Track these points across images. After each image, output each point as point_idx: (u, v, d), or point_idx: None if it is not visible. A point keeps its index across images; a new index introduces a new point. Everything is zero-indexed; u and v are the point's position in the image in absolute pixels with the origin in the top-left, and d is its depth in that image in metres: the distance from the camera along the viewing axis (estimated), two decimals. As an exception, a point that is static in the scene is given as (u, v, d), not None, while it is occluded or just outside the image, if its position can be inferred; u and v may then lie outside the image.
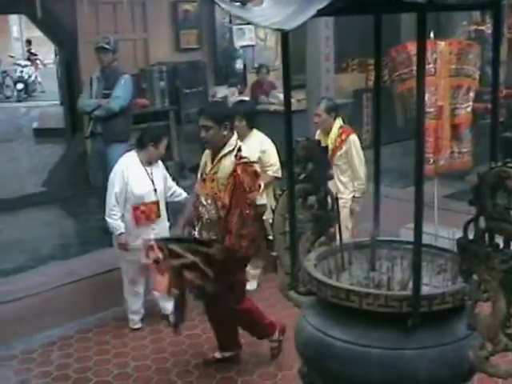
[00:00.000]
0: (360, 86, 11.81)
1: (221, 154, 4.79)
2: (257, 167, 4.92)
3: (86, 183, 9.33)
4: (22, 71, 21.91)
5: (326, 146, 3.25)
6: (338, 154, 6.28)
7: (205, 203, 4.83)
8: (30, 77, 22.16)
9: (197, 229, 5.00)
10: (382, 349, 2.58)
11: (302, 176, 3.11)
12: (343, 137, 6.31)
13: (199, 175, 5.08)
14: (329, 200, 3.15)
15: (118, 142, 7.38)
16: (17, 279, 6.29)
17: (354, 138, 6.37)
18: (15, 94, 21.61)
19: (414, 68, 4.75)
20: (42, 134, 14.27)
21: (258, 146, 6.12)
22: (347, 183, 6.38)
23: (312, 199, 3.17)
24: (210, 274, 4.55)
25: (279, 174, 6.24)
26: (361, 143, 6.45)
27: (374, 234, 3.17)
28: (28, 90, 21.93)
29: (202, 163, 5.10)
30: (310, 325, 2.81)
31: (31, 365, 5.43)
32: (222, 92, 10.35)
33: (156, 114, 9.62)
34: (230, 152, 4.77)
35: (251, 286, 6.34)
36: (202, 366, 5.23)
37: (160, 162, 5.91)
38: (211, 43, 10.72)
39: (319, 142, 3.24)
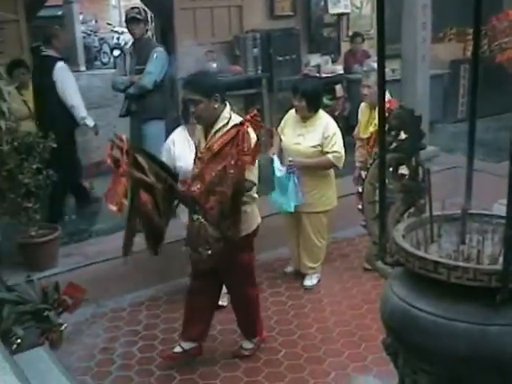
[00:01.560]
0: (457, 56, 11.47)
1: (214, 130, 4.39)
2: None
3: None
4: (118, 38, 22.38)
5: (420, 116, 3.16)
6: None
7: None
8: (126, 43, 22.58)
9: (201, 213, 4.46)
10: (468, 323, 2.54)
11: (394, 145, 3.07)
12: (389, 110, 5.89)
13: (194, 155, 4.61)
14: (420, 171, 3.10)
15: (154, 119, 7.26)
16: (109, 240, 6.48)
17: None
18: (112, 60, 22.10)
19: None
20: (137, 99, 14.51)
21: (321, 131, 5.88)
22: None
23: (403, 169, 3.12)
24: (162, 208, 4.30)
25: (340, 164, 5.99)
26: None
27: (464, 206, 3.10)
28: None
29: (195, 141, 4.72)
30: (396, 296, 2.78)
31: (120, 323, 5.64)
32: (314, 60, 10.28)
33: (249, 82, 9.66)
34: (225, 126, 4.36)
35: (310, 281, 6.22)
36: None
37: None
38: (305, 11, 10.61)
39: (412, 111, 3.17)
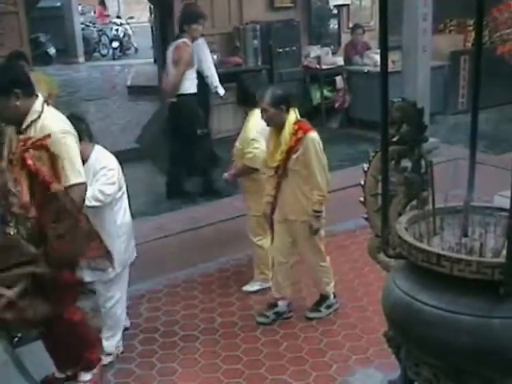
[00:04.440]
0: (458, 47, 11.44)
1: (24, 126, 3.93)
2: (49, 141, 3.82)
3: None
4: (117, 29, 22.34)
5: (422, 108, 3.15)
6: (294, 156, 4.98)
7: (14, 190, 3.80)
8: (125, 35, 22.56)
9: (12, 225, 3.84)
10: (472, 316, 2.53)
11: (396, 138, 3.06)
12: (299, 134, 4.97)
13: (5, 155, 3.99)
14: (422, 163, 3.09)
15: None
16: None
17: (312, 135, 5.00)
18: (110, 52, 22.07)
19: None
20: (136, 91, 14.53)
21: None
22: (309, 193, 5.08)
23: (405, 162, 3.12)
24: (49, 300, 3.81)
25: (255, 165, 5.52)
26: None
27: (467, 199, 3.09)
28: (123, 49, 22.36)
29: (6, 141, 4.08)
30: (399, 288, 2.78)
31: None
32: (315, 52, 10.27)
33: (249, 73, 9.64)
34: (35, 121, 3.92)
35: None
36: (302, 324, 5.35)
37: None
38: (305, 2, 10.60)
39: (414, 103, 3.15)
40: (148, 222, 6.78)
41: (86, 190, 4.05)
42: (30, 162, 3.68)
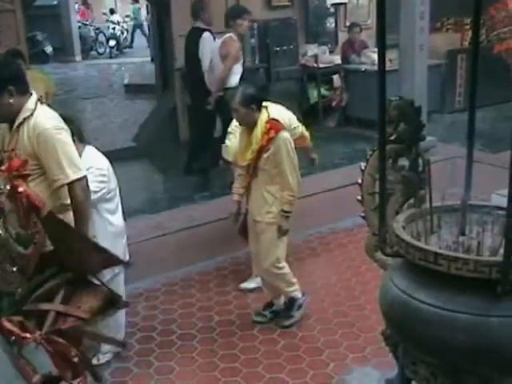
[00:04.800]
0: (455, 46, 11.45)
1: (16, 124, 3.89)
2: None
3: (175, 139, 9.49)
4: (114, 28, 22.34)
5: (420, 107, 3.15)
6: (265, 155, 4.94)
7: (2, 187, 3.53)
8: (122, 33, 22.56)
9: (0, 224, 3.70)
10: (469, 314, 2.53)
11: (394, 136, 3.06)
12: (271, 134, 4.92)
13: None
14: (420, 162, 3.09)
15: None
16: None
17: (284, 135, 4.94)
18: (107, 50, 22.06)
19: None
20: (133, 90, 14.54)
21: None
22: (276, 193, 5.03)
23: (402, 160, 3.12)
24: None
25: (227, 157, 5.72)
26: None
27: (464, 198, 3.09)
28: (120, 47, 22.36)
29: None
30: (396, 287, 2.78)
31: (119, 314, 5.62)
32: (312, 50, 10.27)
33: (246, 72, 9.64)
34: (27, 119, 3.87)
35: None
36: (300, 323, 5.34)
37: None
38: (303, 1, 10.60)
39: (412, 102, 3.15)
40: (146, 221, 6.78)
41: (87, 183, 4.02)
42: (21, 189, 3.44)
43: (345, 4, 11.00)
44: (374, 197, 3.13)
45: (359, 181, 3.25)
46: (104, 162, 4.73)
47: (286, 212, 5.01)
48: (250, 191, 5.17)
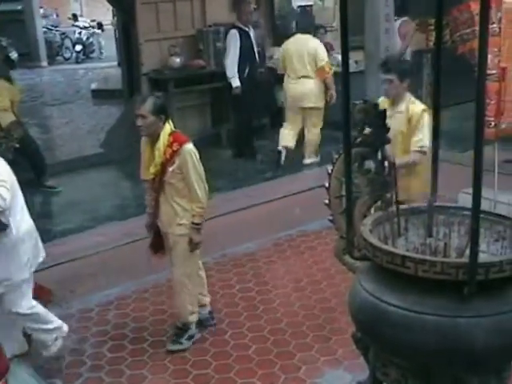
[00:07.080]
0: (420, 46, 11.54)
1: None
2: None
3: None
4: (80, 33, 22.15)
5: (385, 110, 3.15)
6: (170, 169, 4.82)
7: None
8: (88, 38, 22.38)
9: None
10: (437, 316, 2.55)
11: (359, 140, 3.06)
12: (175, 147, 4.81)
13: None
14: (386, 165, 3.10)
15: None
16: (75, 239, 6.42)
17: (189, 147, 4.84)
18: (74, 55, 21.87)
19: (477, 28, 4.59)
20: (100, 95, 14.42)
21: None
22: (186, 205, 4.93)
23: (368, 164, 3.12)
24: None
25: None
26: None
27: (431, 199, 3.11)
28: (86, 52, 22.18)
29: None
30: (365, 290, 2.79)
31: (89, 323, 5.56)
32: (278, 53, 10.25)
33: (212, 76, 9.62)
34: None
35: None
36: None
37: None
38: (268, 4, 10.61)
39: (376, 105, 3.16)
40: (116, 227, 6.73)
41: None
42: None
43: (310, 6, 11.02)
44: (341, 200, 3.13)
45: (326, 184, 3.25)
46: (3, 166, 4.44)
47: (196, 224, 4.94)
48: (159, 205, 5.03)
